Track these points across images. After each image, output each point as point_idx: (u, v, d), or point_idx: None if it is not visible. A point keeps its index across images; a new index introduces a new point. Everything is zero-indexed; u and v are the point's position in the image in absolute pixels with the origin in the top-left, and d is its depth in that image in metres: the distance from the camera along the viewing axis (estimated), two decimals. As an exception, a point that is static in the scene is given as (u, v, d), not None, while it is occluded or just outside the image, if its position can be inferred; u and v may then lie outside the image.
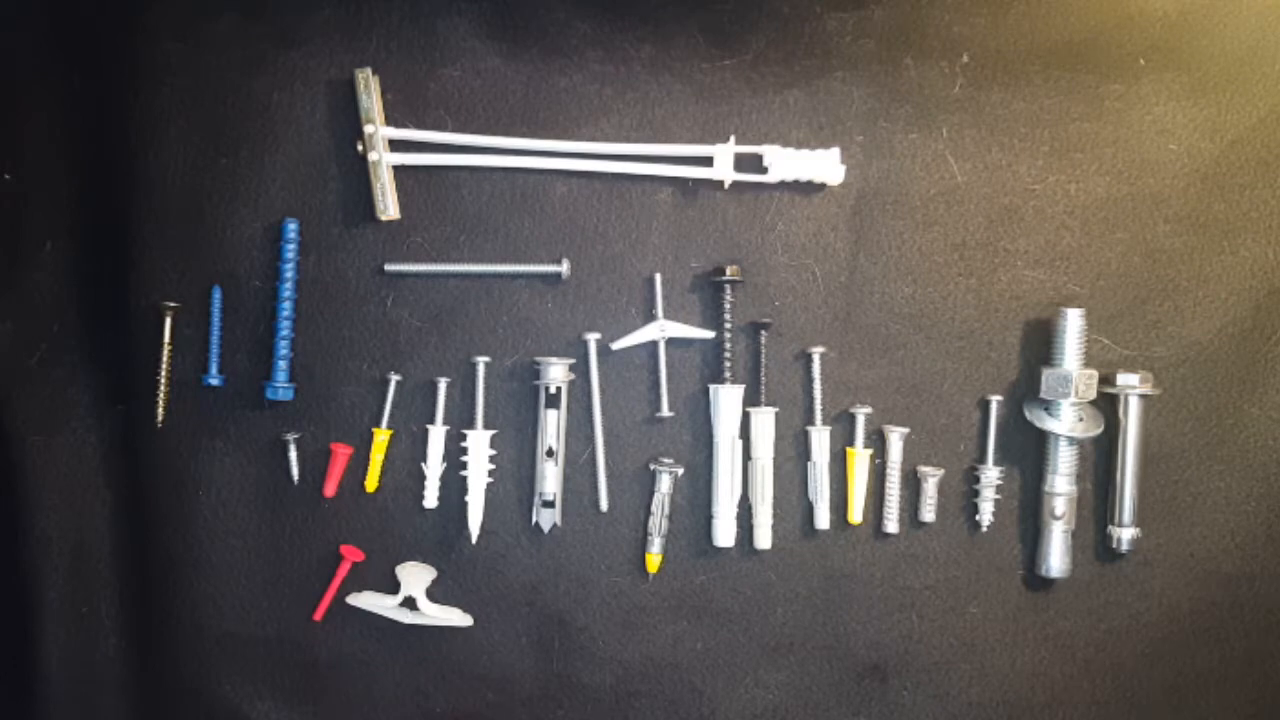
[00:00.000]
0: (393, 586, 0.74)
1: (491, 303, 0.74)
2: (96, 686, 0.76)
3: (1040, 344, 0.74)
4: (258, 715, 0.75)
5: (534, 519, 0.74)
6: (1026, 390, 0.75)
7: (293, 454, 0.74)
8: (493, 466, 0.74)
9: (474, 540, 0.74)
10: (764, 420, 0.74)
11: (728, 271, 0.73)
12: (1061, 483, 0.73)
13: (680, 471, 0.74)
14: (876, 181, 0.74)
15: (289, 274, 0.72)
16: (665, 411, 0.74)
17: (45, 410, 0.75)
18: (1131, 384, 0.72)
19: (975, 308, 0.75)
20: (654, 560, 0.74)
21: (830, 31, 0.73)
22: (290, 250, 0.72)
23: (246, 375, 0.74)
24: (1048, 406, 0.73)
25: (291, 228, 0.72)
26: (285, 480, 0.74)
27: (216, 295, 0.73)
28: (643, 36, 0.73)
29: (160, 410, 0.73)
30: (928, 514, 0.75)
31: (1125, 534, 0.73)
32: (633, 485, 0.75)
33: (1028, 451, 0.75)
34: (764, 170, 0.73)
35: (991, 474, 0.74)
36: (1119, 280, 0.75)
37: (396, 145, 0.72)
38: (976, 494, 0.75)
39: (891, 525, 0.75)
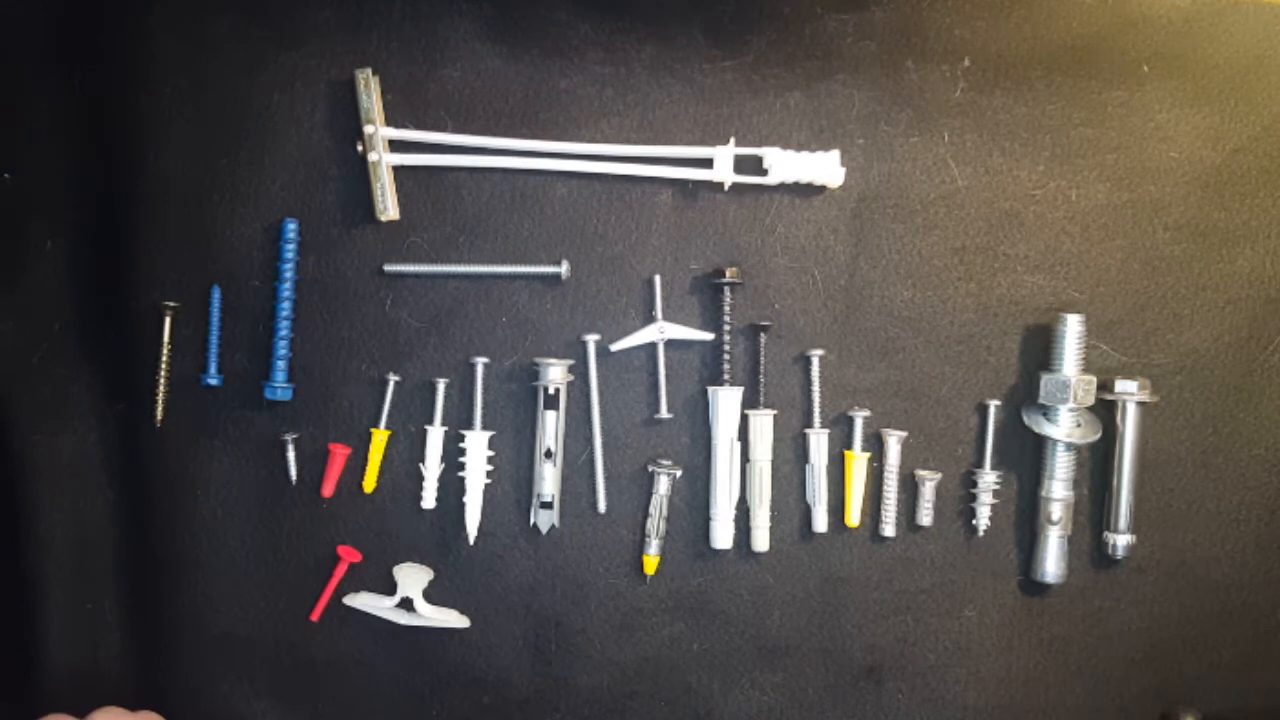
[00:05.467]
0: (390, 587, 0.74)
1: (491, 304, 0.74)
2: (95, 685, 0.76)
3: (1039, 349, 0.74)
4: (254, 714, 0.75)
5: (532, 520, 0.74)
6: (1025, 395, 0.75)
7: (291, 454, 0.74)
8: (491, 467, 0.74)
9: (472, 541, 0.74)
10: (762, 422, 0.74)
11: (727, 273, 0.73)
12: (1058, 488, 0.73)
13: (678, 473, 0.74)
14: (877, 184, 0.74)
15: (288, 274, 0.72)
16: (664, 413, 0.74)
17: (46, 409, 0.75)
18: (1130, 391, 0.72)
19: (975, 312, 0.75)
20: (651, 562, 0.74)
21: (831, 33, 0.73)
22: (290, 250, 0.72)
23: (246, 375, 0.74)
24: (1046, 412, 0.73)
25: (291, 228, 0.72)
26: (283, 480, 0.74)
27: (216, 295, 0.73)
28: (643, 38, 0.73)
29: (160, 410, 0.73)
30: (925, 518, 0.75)
31: (1121, 540, 0.73)
32: (631, 487, 0.75)
33: (1025, 456, 0.75)
34: (764, 172, 0.72)
35: (989, 478, 0.74)
36: (1118, 287, 0.75)
37: (396, 145, 0.72)
38: (974, 498, 0.75)
39: (889, 528, 0.75)
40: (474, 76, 0.73)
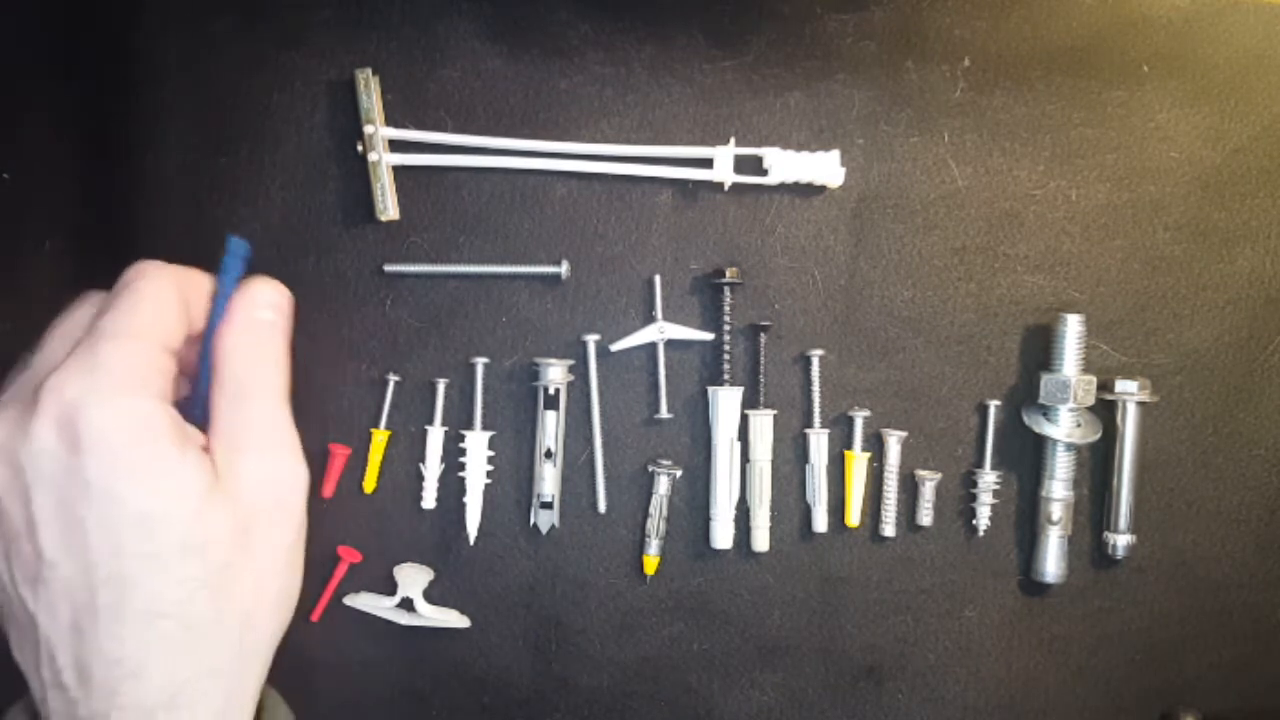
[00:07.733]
0: (390, 587, 0.74)
1: (491, 304, 0.74)
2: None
3: (1039, 349, 0.74)
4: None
5: (532, 520, 0.74)
6: (1025, 395, 0.75)
7: (291, 454, 0.74)
8: (491, 468, 0.74)
9: (472, 541, 0.74)
10: (762, 423, 0.74)
11: (727, 273, 0.73)
12: (1059, 488, 0.73)
13: (678, 473, 0.74)
14: (877, 184, 0.74)
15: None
16: (664, 413, 0.74)
17: (44, 409, 0.74)
18: (1130, 391, 0.72)
19: (975, 312, 0.75)
20: (651, 562, 0.74)
21: (831, 33, 0.73)
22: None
23: (245, 375, 0.74)
24: (1046, 412, 0.73)
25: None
26: (284, 480, 0.74)
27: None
28: (643, 38, 0.73)
29: (159, 410, 0.73)
30: (925, 518, 0.75)
31: (1121, 540, 0.74)
32: (631, 487, 0.75)
33: (1025, 456, 0.75)
34: (764, 172, 0.72)
35: (989, 478, 0.74)
36: (1118, 287, 0.75)
37: (396, 145, 0.72)
38: (974, 498, 0.75)
39: (889, 528, 0.75)
40: (474, 76, 0.73)
